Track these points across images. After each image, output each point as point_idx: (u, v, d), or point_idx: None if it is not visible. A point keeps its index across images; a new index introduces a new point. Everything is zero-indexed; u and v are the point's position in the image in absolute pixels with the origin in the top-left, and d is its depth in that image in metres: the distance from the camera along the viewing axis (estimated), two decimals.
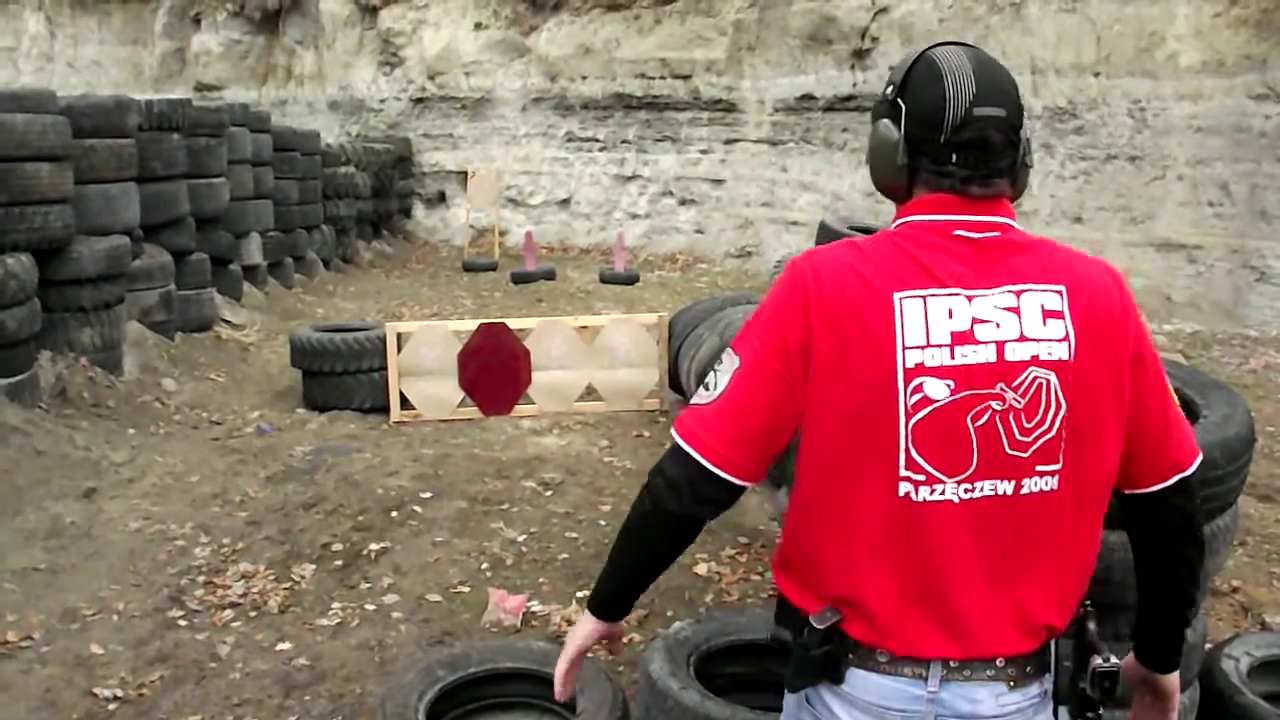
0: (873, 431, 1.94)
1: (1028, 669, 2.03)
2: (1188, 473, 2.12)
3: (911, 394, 1.92)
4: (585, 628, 2.27)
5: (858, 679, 2.03)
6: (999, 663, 2.00)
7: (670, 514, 2.10)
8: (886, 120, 2.08)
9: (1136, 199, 14.43)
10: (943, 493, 1.94)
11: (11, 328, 7.73)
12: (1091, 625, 2.11)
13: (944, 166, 2.00)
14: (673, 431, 2.10)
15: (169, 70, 24.34)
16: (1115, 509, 3.16)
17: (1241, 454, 3.46)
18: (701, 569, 5.67)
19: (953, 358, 1.92)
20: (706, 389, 2.06)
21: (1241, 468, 3.49)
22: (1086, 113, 14.78)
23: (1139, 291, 13.42)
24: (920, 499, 1.94)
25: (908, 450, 1.93)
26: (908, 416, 1.92)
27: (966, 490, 1.95)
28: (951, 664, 1.99)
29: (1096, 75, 14.72)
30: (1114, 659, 2.07)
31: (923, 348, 1.92)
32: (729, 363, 2.04)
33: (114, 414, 8.47)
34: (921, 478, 1.94)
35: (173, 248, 10.96)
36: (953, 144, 1.98)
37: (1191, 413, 3.66)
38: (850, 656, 2.03)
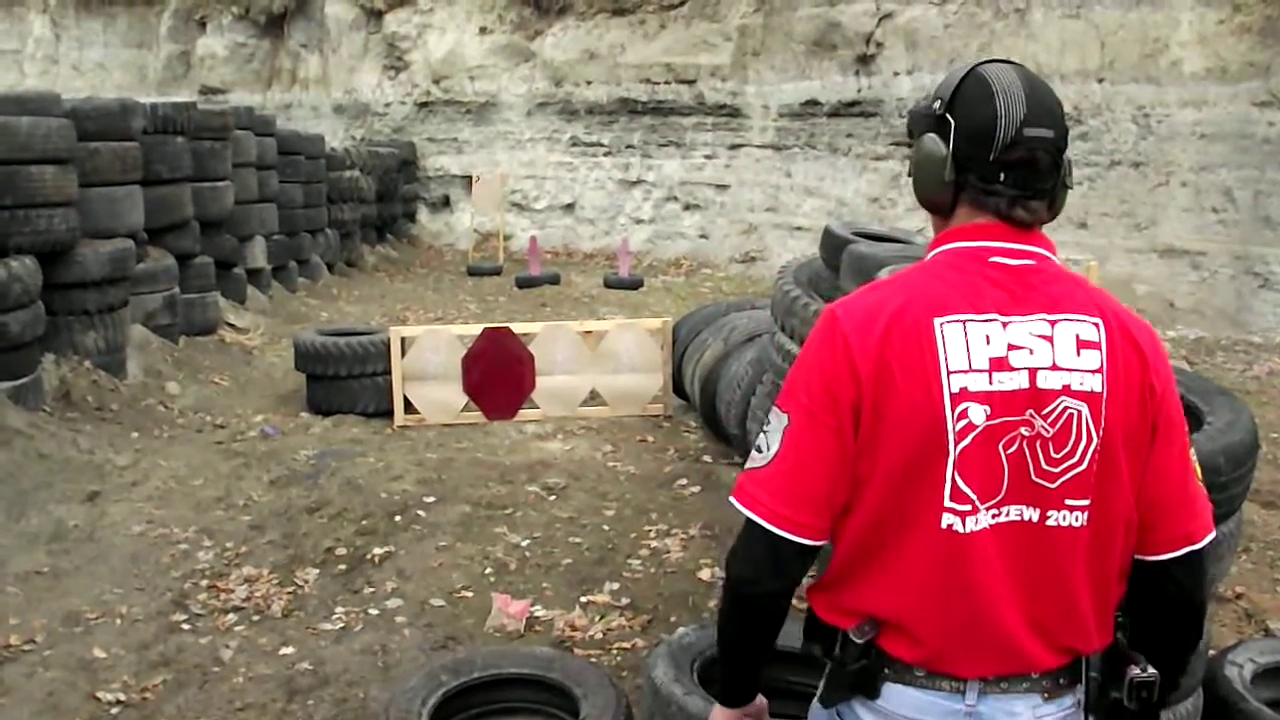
0: (923, 462, 1.94)
1: (1061, 680, 2.03)
2: (1197, 546, 2.05)
3: (958, 419, 1.91)
4: (721, 717, 2.27)
5: (894, 693, 2.02)
6: (1034, 675, 2.00)
7: (749, 599, 2.09)
8: (933, 135, 2.05)
9: (1140, 205, 14.43)
10: (978, 521, 1.94)
11: (15, 331, 7.73)
12: (1123, 635, 2.10)
13: (991, 185, 1.99)
14: (732, 499, 2.07)
15: (174, 73, 24.37)
16: None
17: (1245, 460, 3.47)
18: (705, 574, 5.66)
19: (990, 383, 1.92)
20: (759, 451, 2.04)
21: (1245, 474, 3.49)
22: (1091, 119, 14.78)
23: (1142, 298, 13.44)
24: (965, 530, 1.94)
25: (954, 479, 1.93)
26: (955, 442, 1.92)
27: (994, 515, 1.94)
28: (988, 677, 1.99)
29: (1101, 82, 14.74)
30: (1150, 669, 2.05)
31: (965, 372, 1.92)
32: (778, 422, 2.01)
33: (117, 417, 8.48)
34: (967, 508, 1.93)
35: (177, 251, 10.97)
36: (1001, 163, 1.97)
37: (1196, 419, 3.66)
38: (886, 671, 2.02)
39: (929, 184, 2.07)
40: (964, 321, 1.94)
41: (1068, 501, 1.95)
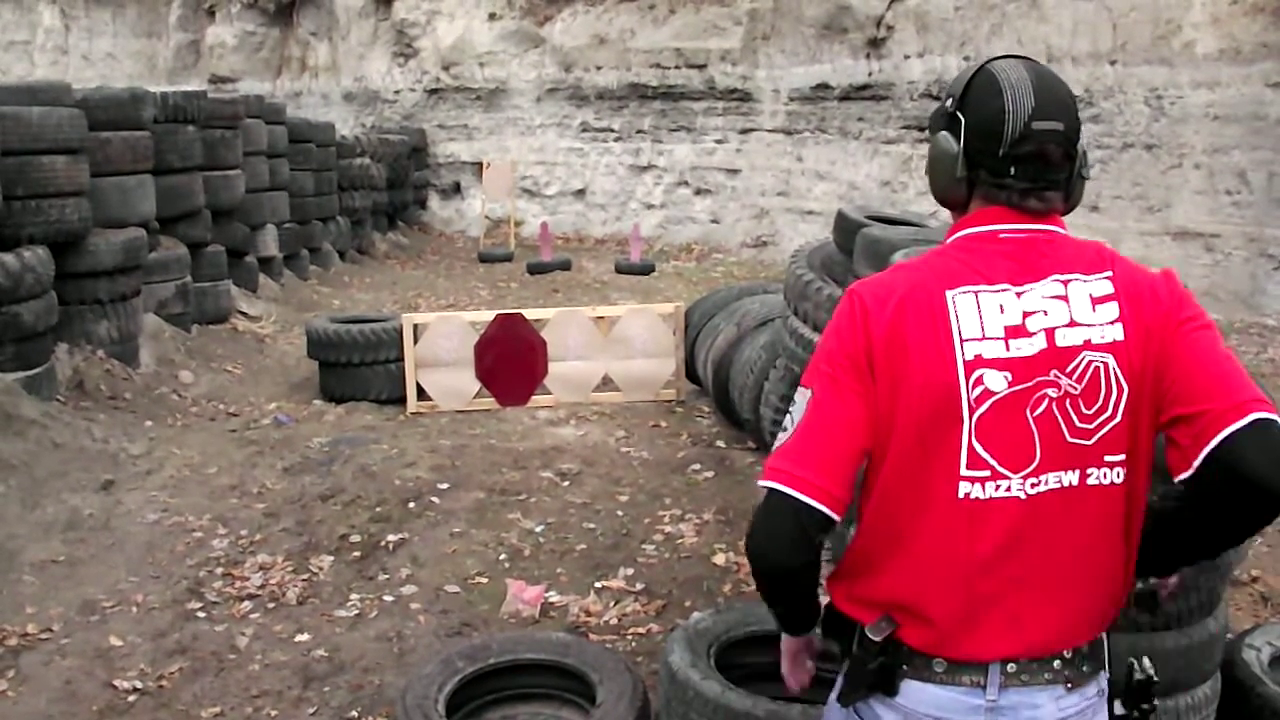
0: (938, 431, 1.95)
1: (1084, 668, 2.02)
2: (1268, 415, 1.84)
3: (973, 386, 1.93)
4: (788, 642, 2.32)
5: (913, 690, 2.02)
6: (1056, 664, 1.99)
7: (774, 575, 2.07)
8: (945, 133, 2.08)
9: (1153, 188, 14.36)
10: (1008, 489, 1.94)
11: (28, 320, 7.75)
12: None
13: (1002, 179, 2.01)
14: (760, 483, 2.04)
15: (183, 63, 24.40)
16: None
17: None
18: (720, 559, 5.66)
19: (1008, 350, 1.94)
20: (784, 430, 2.05)
21: None
22: (1103, 101, 14.71)
23: None
24: (985, 496, 1.94)
25: (971, 446, 1.94)
26: (971, 410, 1.93)
27: (1033, 485, 1.95)
28: (1009, 669, 1.98)
29: (1113, 63, 14.66)
30: (1149, 669, 2.07)
31: (979, 340, 1.94)
32: (801, 398, 2.03)
33: (131, 406, 8.50)
34: (985, 474, 1.94)
35: (189, 240, 10.99)
36: (1011, 157, 1.99)
37: None
38: (905, 668, 2.02)
39: (942, 181, 2.10)
40: (976, 292, 1.97)
41: (1107, 458, 1.96)
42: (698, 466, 7.20)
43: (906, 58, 16.82)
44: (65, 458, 7.15)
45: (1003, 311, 1.95)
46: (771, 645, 3.84)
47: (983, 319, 1.94)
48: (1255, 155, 13.45)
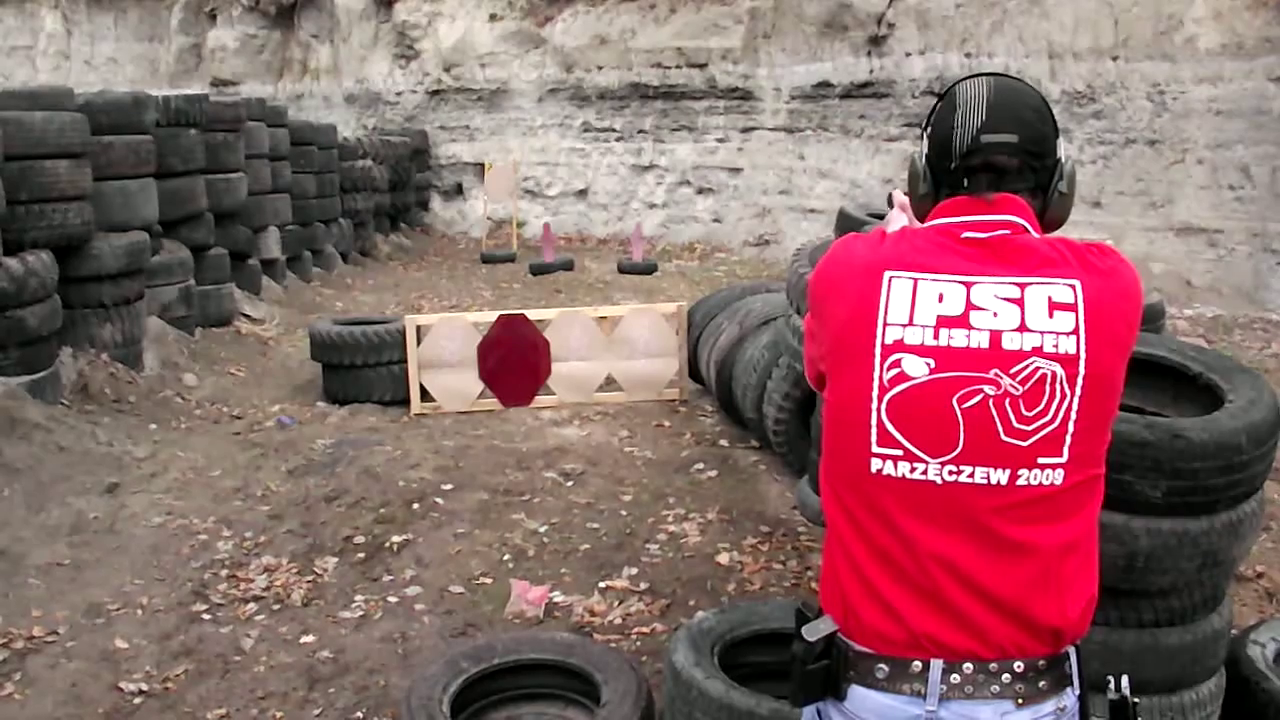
0: (853, 405, 2.02)
1: (1041, 684, 1.99)
2: None
3: (888, 369, 1.98)
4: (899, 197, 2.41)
5: (857, 696, 2.03)
6: (1005, 677, 1.96)
7: None
8: (917, 152, 2.18)
9: (1156, 183, 14.36)
10: (924, 472, 1.97)
11: (32, 325, 7.76)
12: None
13: (957, 191, 2.09)
14: None
15: (185, 66, 24.42)
16: (1139, 494, 3.15)
17: (1267, 439, 3.44)
18: (724, 558, 5.66)
19: (935, 338, 1.97)
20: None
21: (1268, 452, 3.46)
22: (1105, 97, 14.70)
23: (1159, 276, 13.39)
24: (897, 475, 1.98)
25: (881, 423, 1.99)
26: (882, 390, 1.99)
27: (951, 472, 1.96)
28: (953, 679, 1.96)
29: (1115, 59, 14.65)
30: (1125, 691, 2.08)
31: (904, 325, 1.99)
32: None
33: (135, 409, 8.50)
34: (898, 453, 1.98)
35: (191, 243, 11.00)
36: (963, 169, 2.07)
37: (1216, 397, 3.63)
38: (851, 673, 2.04)
39: (914, 198, 2.21)
40: (916, 279, 2.02)
41: (1040, 460, 1.96)
42: (701, 466, 7.20)
43: (908, 55, 16.82)
44: (70, 461, 7.16)
45: (941, 301, 1.99)
46: (775, 644, 3.87)
47: (914, 306, 1.99)
48: (1258, 150, 13.45)
